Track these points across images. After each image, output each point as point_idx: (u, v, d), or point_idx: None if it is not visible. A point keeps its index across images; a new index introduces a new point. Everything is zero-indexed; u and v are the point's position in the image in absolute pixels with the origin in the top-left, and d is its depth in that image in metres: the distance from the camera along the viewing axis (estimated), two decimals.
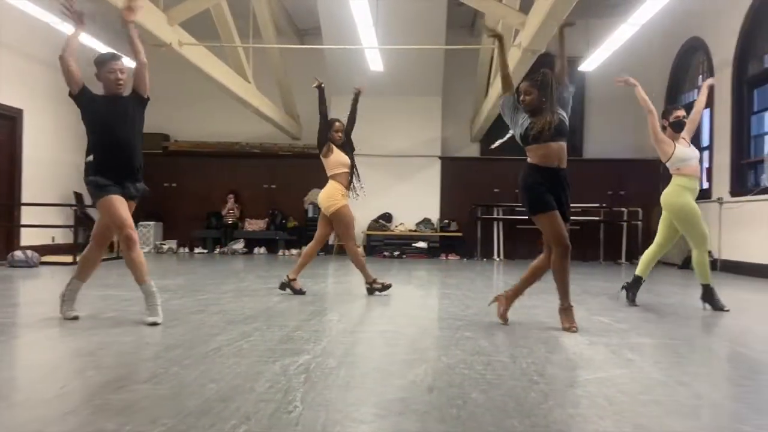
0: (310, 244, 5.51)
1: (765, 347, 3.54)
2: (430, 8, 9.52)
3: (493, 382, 2.51)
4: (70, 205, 9.65)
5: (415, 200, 11.82)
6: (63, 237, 10.07)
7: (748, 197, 8.20)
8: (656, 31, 10.15)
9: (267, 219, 12.14)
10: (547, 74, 3.80)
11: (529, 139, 3.79)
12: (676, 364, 2.94)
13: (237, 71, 9.13)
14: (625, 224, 11.14)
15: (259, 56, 10.09)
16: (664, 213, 4.90)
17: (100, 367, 2.72)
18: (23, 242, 9.12)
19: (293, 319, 4.03)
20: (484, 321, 4.09)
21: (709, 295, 4.80)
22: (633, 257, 11.04)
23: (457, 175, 11.85)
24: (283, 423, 1.97)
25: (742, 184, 8.69)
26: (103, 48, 9.17)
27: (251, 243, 11.94)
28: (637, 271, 5.00)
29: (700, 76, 10.25)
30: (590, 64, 9.27)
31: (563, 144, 3.81)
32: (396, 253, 11.37)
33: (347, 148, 5.51)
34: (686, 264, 9.44)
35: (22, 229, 9.17)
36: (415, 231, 11.59)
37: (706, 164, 9.37)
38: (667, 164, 4.84)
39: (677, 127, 4.85)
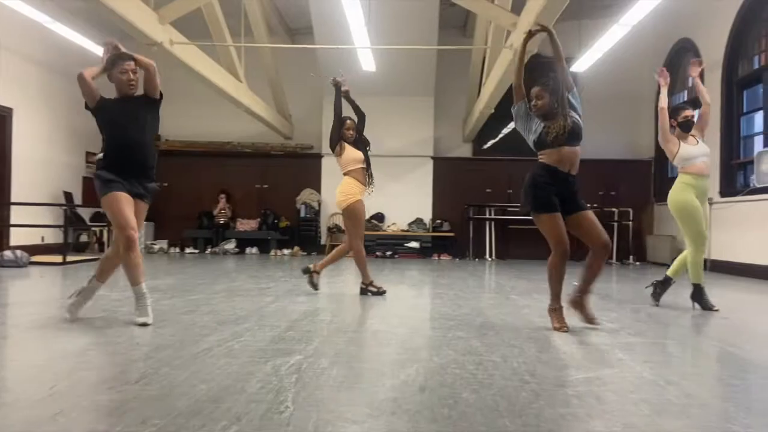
0: (338, 248, 5.61)
1: (754, 347, 3.57)
2: (422, 8, 9.53)
3: (484, 382, 2.51)
4: (60, 205, 9.59)
5: (408, 200, 11.84)
6: (53, 237, 10.02)
7: (738, 198, 8.27)
8: (647, 32, 10.23)
9: (259, 219, 12.11)
10: (557, 78, 3.77)
11: (544, 144, 3.76)
12: (665, 364, 2.96)
13: (229, 70, 9.12)
14: (616, 224, 11.20)
15: (250, 55, 10.08)
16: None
17: (90, 367, 2.71)
18: (12, 242, 9.06)
19: (285, 319, 4.03)
20: (476, 321, 4.10)
21: (698, 295, 4.84)
22: (624, 257, 11.11)
23: (449, 176, 11.88)
24: (275, 423, 1.97)
25: (731, 185, 8.76)
26: (93, 46, 9.14)
27: (243, 243, 11.91)
28: (671, 273, 5.00)
29: (690, 78, 10.31)
30: (582, 64, 9.31)
31: (577, 149, 3.78)
32: (388, 253, 11.39)
33: (360, 145, 5.53)
34: None
35: (12, 229, 9.10)
36: (408, 231, 11.61)
37: None
38: (674, 163, 4.93)
39: (685, 126, 4.89)
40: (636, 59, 11.20)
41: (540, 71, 3.87)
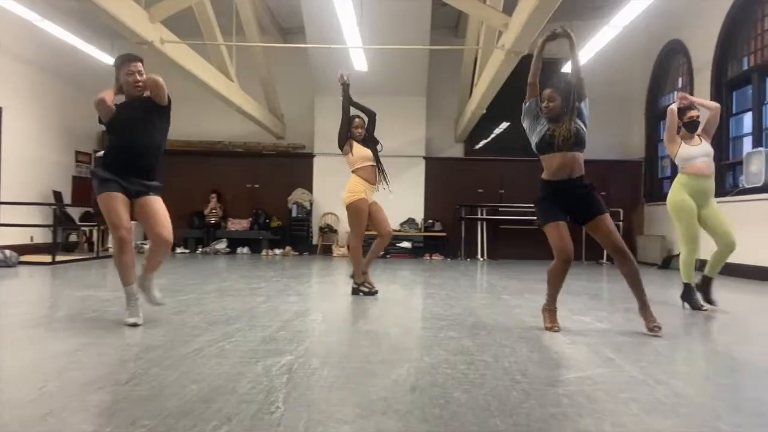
0: (375, 242, 5.78)
1: (743, 346, 3.60)
2: (414, 8, 9.54)
3: (475, 382, 2.52)
4: (50, 204, 9.52)
5: (400, 200, 11.80)
6: (42, 236, 9.94)
7: (727, 198, 8.32)
8: (638, 34, 10.29)
9: (250, 219, 12.08)
10: (569, 82, 3.80)
11: (545, 147, 3.77)
12: (655, 363, 2.98)
13: (220, 69, 9.08)
14: None
15: (242, 55, 10.04)
16: None
17: (80, 368, 2.69)
18: (1, 241, 8.97)
19: (276, 319, 4.02)
20: (468, 321, 4.11)
21: (688, 295, 4.88)
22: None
23: (441, 176, 11.89)
24: (265, 424, 1.97)
25: (721, 186, 8.81)
26: (84, 45, 9.09)
27: (234, 243, 11.87)
28: (706, 272, 5.00)
29: (680, 78, 10.40)
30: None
31: (576, 154, 3.77)
32: (380, 253, 11.37)
33: (369, 143, 5.51)
34: (666, 264, 9.58)
35: (0, 228, 9.03)
36: (400, 231, 11.61)
37: None
38: (675, 162, 5.01)
39: (691, 126, 4.93)
40: (626, 60, 11.26)
41: (556, 78, 3.90)
